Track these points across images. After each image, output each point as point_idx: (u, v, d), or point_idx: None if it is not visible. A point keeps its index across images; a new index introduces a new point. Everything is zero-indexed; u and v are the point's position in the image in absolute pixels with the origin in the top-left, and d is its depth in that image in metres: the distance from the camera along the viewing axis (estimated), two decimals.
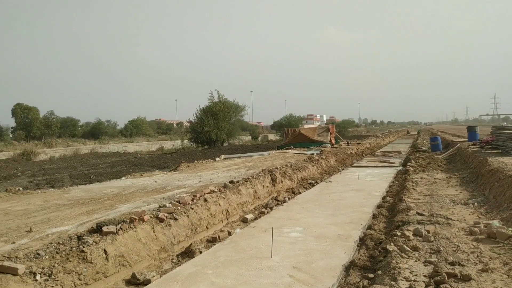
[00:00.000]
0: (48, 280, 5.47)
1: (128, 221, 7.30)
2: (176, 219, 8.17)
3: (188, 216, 8.54)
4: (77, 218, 8.01)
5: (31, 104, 72.87)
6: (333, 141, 31.06)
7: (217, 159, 22.72)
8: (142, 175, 16.47)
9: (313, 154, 21.55)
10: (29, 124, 75.69)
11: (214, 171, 16.37)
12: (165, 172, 17.70)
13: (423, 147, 27.95)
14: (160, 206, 8.75)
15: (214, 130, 43.20)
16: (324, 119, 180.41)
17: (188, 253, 7.74)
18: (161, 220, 7.86)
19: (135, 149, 43.71)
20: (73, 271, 5.83)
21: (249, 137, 68.97)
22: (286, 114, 74.18)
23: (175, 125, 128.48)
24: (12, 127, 75.11)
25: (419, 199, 10.68)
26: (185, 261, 7.35)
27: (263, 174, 13.07)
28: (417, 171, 16.18)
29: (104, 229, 6.76)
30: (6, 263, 5.24)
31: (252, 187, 11.71)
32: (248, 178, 12.11)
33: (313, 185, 14.56)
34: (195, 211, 8.81)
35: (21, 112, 76.01)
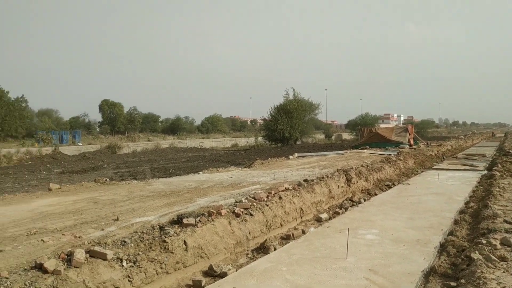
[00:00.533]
0: (133, 266, 5.80)
1: (207, 214, 7.54)
2: (251, 214, 8.30)
3: (263, 212, 8.64)
4: (159, 210, 8.40)
5: (117, 100, 76.92)
6: (412, 142, 29.90)
7: (291, 157, 22.75)
8: (218, 170, 16.90)
9: (390, 155, 20.90)
10: (114, 119, 79.82)
11: (288, 169, 16.42)
12: (240, 169, 18.03)
13: (511, 151, 26.05)
14: (236, 201, 8.94)
15: (288, 128, 43.30)
16: (402, 118, 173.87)
17: (262, 249, 7.85)
18: (237, 215, 8.03)
19: (211, 145, 44.98)
20: (156, 259, 6.13)
21: (323, 136, 68.26)
22: (362, 113, 72.47)
23: (249, 123, 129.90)
24: (99, 122, 79.75)
25: (506, 206, 9.99)
26: (260, 257, 7.45)
27: (338, 174, 12.90)
28: (504, 176, 15.13)
29: (184, 221, 7.04)
30: (97, 248, 5.63)
31: (326, 187, 11.61)
32: (323, 177, 12.01)
33: (390, 187, 14.13)
34: (270, 208, 8.90)
35: (107, 108, 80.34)
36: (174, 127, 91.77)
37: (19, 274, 4.90)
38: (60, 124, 70.03)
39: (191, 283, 6.32)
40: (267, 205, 8.92)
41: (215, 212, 7.64)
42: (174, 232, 6.71)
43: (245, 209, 8.40)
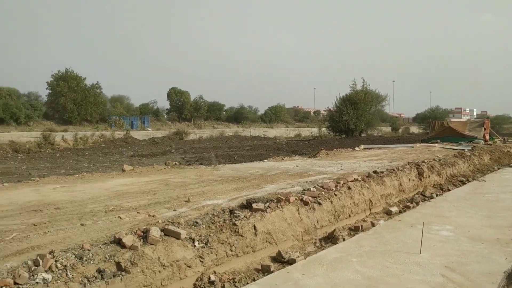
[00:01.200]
0: (204, 247, 5.89)
1: (276, 200, 7.51)
2: (320, 203, 8.18)
3: (331, 202, 8.50)
4: (228, 194, 8.49)
5: (184, 88, 78.87)
6: (487, 138, 28.21)
7: (357, 148, 22.25)
8: (283, 159, 16.87)
9: (463, 150, 19.84)
10: (181, 106, 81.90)
11: (354, 160, 16.06)
12: (305, 158, 17.89)
13: None
14: (304, 190, 8.85)
15: (353, 120, 42.36)
16: (474, 113, 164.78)
17: (331, 239, 7.72)
18: (306, 203, 7.94)
19: (274, 134, 45.07)
20: (226, 241, 6.19)
21: (389, 129, 66.19)
22: (431, 106, 69.33)
23: (312, 113, 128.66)
24: (167, 109, 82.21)
25: None
26: (328, 246, 7.34)
27: (409, 167, 12.43)
28: None
29: (254, 205, 7.05)
30: (171, 227, 5.77)
31: (397, 179, 11.22)
32: (393, 170, 11.62)
33: (464, 183, 13.42)
34: (338, 197, 8.73)
35: (175, 95, 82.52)
36: (238, 116, 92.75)
37: (100, 247, 5.12)
38: (130, 110, 72.88)
39: (260, 268, 6.34)
40: (336, 195, 8.75)
41: (283, 199, 7.60)
42: (244, 216, 6.75)
43: (313, 197, 8.29)
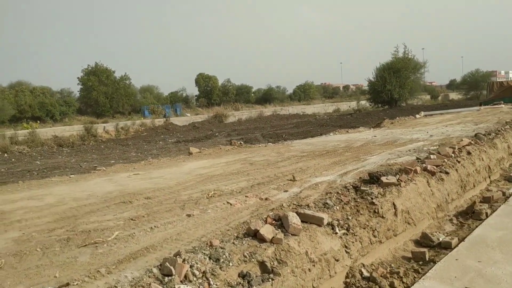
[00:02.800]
0: (347, 234, 4.66)
1: (403, 172, 6.17)
2: (447, 173, 6.81)
3: (456, 170, 7.11)
4: (332, 169, 7.21)
5: (211, 73, 77.78)
6: None
7: (418, 116, 20.64)
8: (347, 131, 15.49)
9: None
10: (210, 91, 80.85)
11: (431, 126, 14.51)
12: (371, 129, 16.41)
13: None
14: (418, 158, 7.47)
15: (396, 89, 40.16)
16: (510, 75, 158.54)
17: (470, 214, 6.35)
18: (432, 173, 6.57)
19: (312, 111, 43.47)
20: (367, 225, 4.93)
21: (428, 97, 63.47)
22: (471, 70, 65.90)
23: (341, 89, 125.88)
24: (195, 95, 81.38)
25: None
26: (472, 224, 6.00)
27: (510, 127, 10.85)
28: None
29: (383, 179, 5.75)
30: (308, 212, 4.53)
31: (505, 141, 9.69)
32: (499, 131, 10.08)
33: None
34: (462, 165, 7.33)
35: (203, 81, 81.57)
36: (267, 97, 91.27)
37: (233, 243, 3.93)
38: (160, 99, 72.44)
39: (410, 255, 5.06)
40: (459, 162, 7.34)
41: (412, 169, 6.24)
42: (378, 193, 5.44)
43: (436, 166, 6.90)
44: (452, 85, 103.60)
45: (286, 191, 5.85)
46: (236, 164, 8.39)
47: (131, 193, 6.19)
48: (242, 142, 12.42)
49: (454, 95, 68.59)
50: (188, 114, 36.66)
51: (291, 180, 6.46)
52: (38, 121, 38.34)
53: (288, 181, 6.45)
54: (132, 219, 4.87)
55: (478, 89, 62.70)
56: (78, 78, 58.84)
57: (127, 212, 5.22)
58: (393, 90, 39.97)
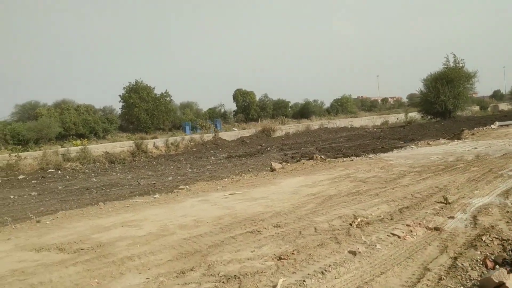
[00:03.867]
0: None
1: None
2: None
3: None
4: (480, 188, 5.89)
5: (249, 89, 77.57)
6: None
7: (493, 126, 18.87)
8: (429, 143, 14.02)
9: None
10: (248, 107, 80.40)
11: None
12: (451, 140, 14.88)
13: None
14: None
15: (451, 100, 38.13)
16: None
17: None
18: None
19: (360, 124, 41.88)
20: None
21: (477, 108, 60.65)
22: None
23: (379, 101, 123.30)
24: (233, 111, 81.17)
25: None
26: None
27: None
28: None
29: None
30: None
31: None
32: None
33: None
34: None
35: (241, 97, 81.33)
36: (304, 111, 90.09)
37: None
38: (199, 116, 72.38)
39: None
40: None
41: None
42: None
43: None
44: (496, 96, 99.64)
45: (452, 217, 4.59)
46: (344, 182, 7.17)
47: (247, 219, 5.07)
48: (322, 157, 11.14)
49: (504, 106, 65.61)
50: (236, 129, 35.77)
51: (443, 203, 5.18)
52: (85, 138, 38.45)
53: (439, 203, 5.18)
54: (280, 258, 3.72)
55: None
56: (119, 95, 59.35)
57: (265, 246, 4.08)
58: (447, 101, 37.95)
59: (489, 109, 62.25)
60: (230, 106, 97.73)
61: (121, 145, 25.30)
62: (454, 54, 40.77)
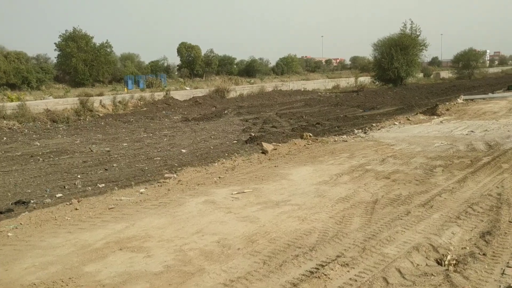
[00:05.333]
0: None
1: None
2: None
3: None
4: None
5: (194, 42, 74.68)
6: None
7: (459, 100, 18.72)
8: (409, 119, 13.42)
9: None
10: (192, 62, 77.96)
11: None
12: (430, 117, 14.35)
13: None
14: None
15: (404, 67, 38.17)
16: (487, 54, 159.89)
17: None
18: None
19: (312, 87, 41.14)
20: None
21: (421, 75, 61.99)
22: (464, 49, 64.53)
23: (323, 63, 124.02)
24: (177, 65, 78.33)
25: None
26: None
27: None
28: None
29: None
30: None
31: None
32: None
33: None
34: None
35: (185, 51, 78.49)
36: (250, 69, 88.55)
37: None
38: (141, 69, 69.17)
39: None
40: None
41: None
42: None
43: None
44: (434, 63, 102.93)
45: None
46: (367, 178, 6.22)
47: (290, 245, 3.95)
48: (310, 134, 10.10)
49: (444, 74, 67.73)
50: (188, 88, 33.78)
51: None
52: (18, 90, 34.92)
53: None
54: None
55: (470, 68, 61.80)
56: (55, 43, 54.79)
57: None
58: (400, 68, 38.01)
59: (431, 76, 63.95)
60: (174, 60, 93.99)
61: (64, 102, 22.82)
62: (411, 21, 40.58)
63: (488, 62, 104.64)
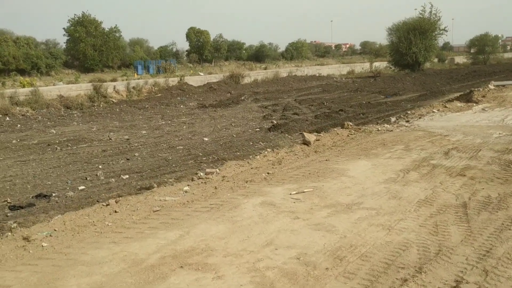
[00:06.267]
0: None
1: None
2: None
3: None
4: None
5: (203, 28, 73.74)
6: None
7: (491, 86, 17.77)
8: (446, 106, 12.58)
9: None
10: (201, 47, 77.14)
11: None
12: (469, 104, 13.50)
13: None
14: None
15: (422, 52, 37.00)
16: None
17: None
18: None
19: (327, 72, 40.15)
20: None
21: (435, 60, 60.66)
22: (481, 33, 62.98)
23: (333, 48, 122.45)
24: (186, 50, 77.54)
25: None
26: None
27: None
28: None
29: None
30: None
31: None
32: None
33: None
34: None
35: (194, 36, 77.67)
36: (259, 54, 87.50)
37: None
38: (150, 54, 68.51)
39: None
40: None
41: None
42: None
43: None
44: (446, 48, 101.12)
45: None
46: (441, 176, 5.39)
47: (390, 264, 3.18)
48: (351, 124, 9.33)
49: (459, 59, 66.32)
50: (202, 73, 32.93)
51: None
52: (28, 76, 34.26)
53: None
54: None
55: (485, 53, 60.48)
56: (64, 28, 54.12)
57: None
58: (419, 53, 36.85)
59: (446, 62, 62.72)
60: (183, 45, 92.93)
61: (78, 88, 22.11)
62: (431, 4, 39.16)
63: (501, 47, 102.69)
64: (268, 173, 5.88)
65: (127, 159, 11.39)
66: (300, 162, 6.45)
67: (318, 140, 7.88)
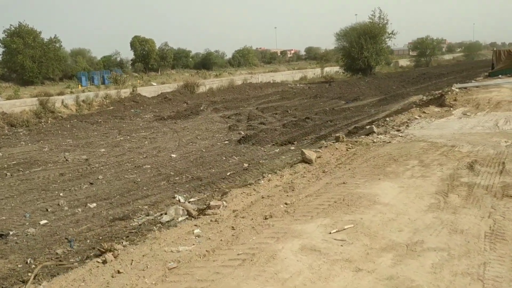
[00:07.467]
0: None
1: None
2: None
3: None
4: None
5: (147, 36, 72.21)
6: None
7: (453, 89, 17.84)
8: (424, 112, 12.29)
9: None
10: (147, 55, 75.42)
11: None
12: (441, 109, 13.27)
13: None
14: None
15: (373, 56, 37.38)
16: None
17: None
18: None
19: (281, 79, 39.74)
20: None
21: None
22: (421, 37, 65.36)
23: (279, 54, 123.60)
24: (131, 60, 75.34)
25: None
26: None
27: None
28: None
29: None
30: None
31: None
32: None
33: None
34: None
35: (139, 45, 75.85)
36: (206, 62, 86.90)
37: None
38: (93, 64, 65.92)
39: None
40: None
41: None
42: None
43: None
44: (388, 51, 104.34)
45: None
46: (487, 199, 4.74)
47: None
48: (343, 136, 8.63)
49: (403, 62, 68.39)
50: (155, 83, 31.45)
51: None
52: None
53: None
54: None
55: (427, 56, 62.86)
56: None
57: None
58: (370, 57, 37.27)
59: (391, 65, 64.47)
60: (127, 54, 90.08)
61: (22, 103, 20.19)
62: (380, 9, 39.80)
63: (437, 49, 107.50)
64: (286, 204, 4.99)
65: (91, 184, 10.14)
66: (315, 186, 5.61)
67: (320, 157, 7.07)
